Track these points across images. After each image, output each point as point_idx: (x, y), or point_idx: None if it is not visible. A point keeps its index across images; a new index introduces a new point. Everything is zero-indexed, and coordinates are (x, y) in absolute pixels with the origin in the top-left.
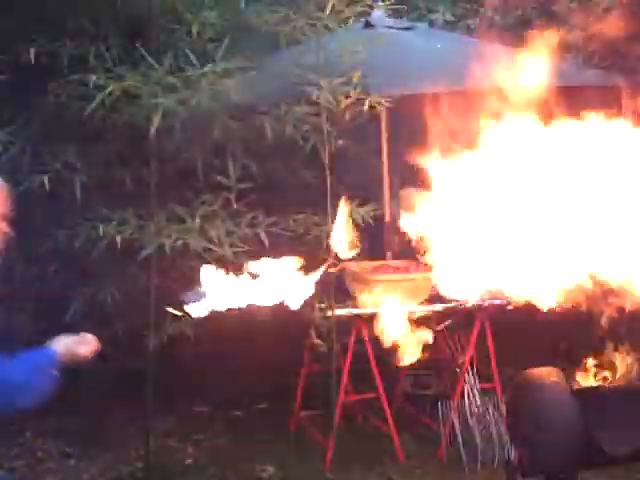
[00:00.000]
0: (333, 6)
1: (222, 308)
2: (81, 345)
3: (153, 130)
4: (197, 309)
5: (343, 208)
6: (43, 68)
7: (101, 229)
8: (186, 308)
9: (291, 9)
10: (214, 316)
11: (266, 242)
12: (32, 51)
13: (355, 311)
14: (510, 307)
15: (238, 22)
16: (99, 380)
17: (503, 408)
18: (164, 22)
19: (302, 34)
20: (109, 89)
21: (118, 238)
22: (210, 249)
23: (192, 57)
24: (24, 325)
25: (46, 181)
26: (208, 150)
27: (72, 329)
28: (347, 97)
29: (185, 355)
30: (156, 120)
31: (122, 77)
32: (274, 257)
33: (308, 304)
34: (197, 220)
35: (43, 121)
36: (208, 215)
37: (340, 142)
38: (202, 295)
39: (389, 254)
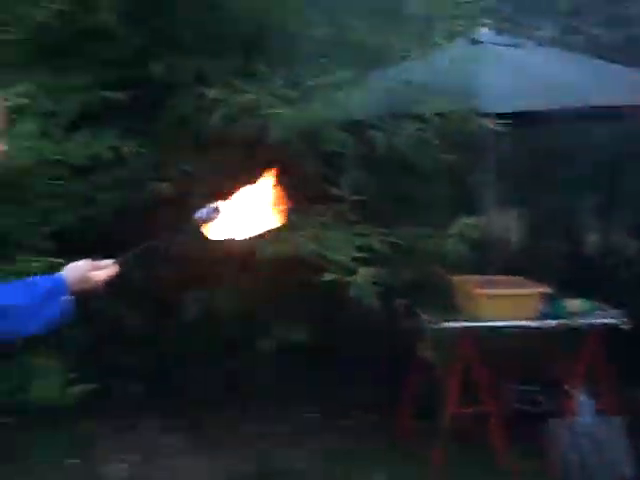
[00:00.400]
0: (440, 22)
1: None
2: (95, 270)
3: (272, 138)
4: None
5: None
6: (168, 83)
7: None
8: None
9: (399, 25)
10: (330, 328)
11: (380, 251)
12: (159, 67)
13: (464, 324)
14: (624, 326)
15: (347, 37)
16: (213, 380)
17: (619, 428)
18: (276, 38)
19: (410, 50)
20: (228, 102)
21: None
22: (324, 256)
23: (305, 71)
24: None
25: (167, 189)
26: (321, 161)
27: (187, 329)
28: (455, 114)
29: (298, 361)
30: (275, 130)
31: (241, 90)
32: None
33: (418, 315)
34: (312, 228)
35: (169, 132)
36: (322, 224)
37: (448, 157)
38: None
39: (493, 269)
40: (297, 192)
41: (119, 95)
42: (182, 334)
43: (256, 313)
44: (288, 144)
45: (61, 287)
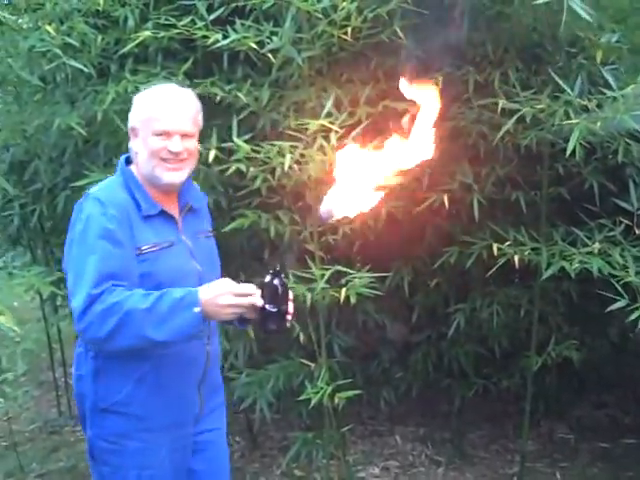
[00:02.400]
0: None
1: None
2: (232, 293)
3: (571, 147)
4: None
5: None
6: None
7: (495, 248)
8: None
9: None
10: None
11: None
12: (440, 79)
13: None
14: None
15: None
16: (466, 393)
17: None
18: (564, 47)
19: None
20: (521, 112)
21: (516, 258)
22: (614, 275)
23: (600, 79)
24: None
25: (445, 200)
26: (606, 173)
27: (453, 342)
28: None
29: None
30: (574, 138)
31: (533, 100)
32: None
33: None
34: (597, 244)
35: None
36: (607, 240)
37: None
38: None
39: None
40: (578, 205)
41: (403, 105)
42: (445, 345)
43: (529, 328)
44: (572, 154)
45: (192, 299)
